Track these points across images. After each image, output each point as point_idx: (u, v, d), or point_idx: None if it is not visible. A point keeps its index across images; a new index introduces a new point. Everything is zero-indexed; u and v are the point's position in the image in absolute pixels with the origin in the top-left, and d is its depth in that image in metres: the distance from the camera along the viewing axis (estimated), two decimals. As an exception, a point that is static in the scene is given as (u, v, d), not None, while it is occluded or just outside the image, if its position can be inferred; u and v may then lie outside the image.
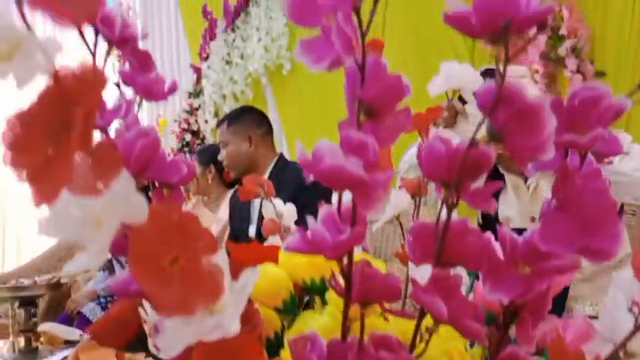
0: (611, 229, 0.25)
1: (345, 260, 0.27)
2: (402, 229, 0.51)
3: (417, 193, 0.51)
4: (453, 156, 0.26)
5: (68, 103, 0.19)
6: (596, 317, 1.16)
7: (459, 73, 0.53)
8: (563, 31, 2.10)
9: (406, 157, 1.57)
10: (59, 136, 0.20)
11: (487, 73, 1.36)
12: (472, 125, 1.41)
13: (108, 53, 0.29)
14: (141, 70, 0.31)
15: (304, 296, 0.39)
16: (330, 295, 0.36)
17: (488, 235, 0.29)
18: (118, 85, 0.42)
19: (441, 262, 0.28)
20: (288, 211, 0.70)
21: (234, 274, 0.27)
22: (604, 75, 2.12)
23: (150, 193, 0.41)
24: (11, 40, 0.18)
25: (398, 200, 0.51)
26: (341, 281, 0.28)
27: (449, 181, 0.27)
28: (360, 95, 0.25)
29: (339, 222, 0.27)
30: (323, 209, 0.28)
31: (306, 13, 0.25)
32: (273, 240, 0.64)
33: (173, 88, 0.42)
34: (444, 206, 0.28)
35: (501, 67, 0.24)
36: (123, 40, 0.30)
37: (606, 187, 0.26)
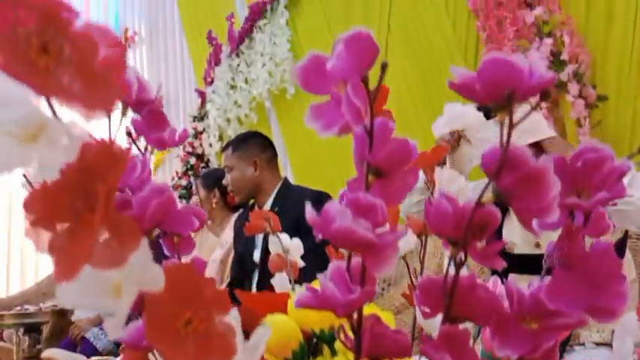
0: (616, 289, 0.26)
1: (355, 316, 0.28)
2: (408, 268, 0.52)
3: (422, 232, 0.52)
4: (460, 215, 0.27)
5: (90, 180, 0.20)
6: (603, 344, 1.15)
7: (461, 115, 0.54)
8: (564, 57, 2.12)
9: (406, 201, 1.58)
10: (81, 212, 0.20)
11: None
12: (475, 148, 1.41)
13: (123, 114, 0.30)
14: (155, 127, 0.31)
15: (313, 344, 0.39)
16: (339, 345, 0.37)
17: (497, 289, 0.29)
18: (129, 134, 0.44)
19: (449, 317, 0.29)
20: (294, 246, 0.71)
21: (245, 325, 0.28)
22: (606, 99, 2.13)
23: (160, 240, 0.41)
24: (37, 124, 0.19)
25: (404, 241, 0.52)
26: (350, 335, 0.29)
27: (456, 239, 0.27)
28: (369, 159, 0.26)
29: (348, 280, 0.27)
30: (333, 265, 0.28)
31: (316, 81, 0.26)
32: (279, 277, 0.65)
33: (184, 137, 0.43)
34: (452, 262, 0.28)
35: (505, 133, 0.25)
36: (139, 103, 0.31)
37: (611, 247, 0.26)
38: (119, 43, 0.18)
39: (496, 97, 0.25)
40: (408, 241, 0.51)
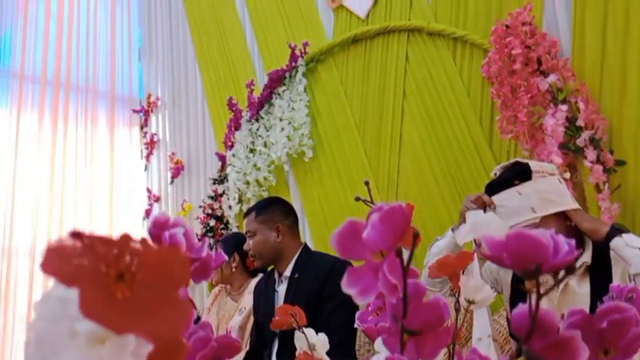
0: None
1: None
2: None
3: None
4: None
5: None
6: None
7: (485, 223, 0.55)
8: (580, 123, 2.15)
9: (434, 249, 1.57)
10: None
11: (505, 183, 1.37)
12: (501, 217, 1.41)
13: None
14: (202, 274, 0.34)
15: None
16: None
17: None
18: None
19: None
20: (321, 341, 0.71)
21: None
22: (624, 164, 2.14)
23: None
24: (104, 335, 0.20)
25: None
26: None
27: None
28: (404, 324, 0.27)
29: None
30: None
31: (352, 247, 0.28)
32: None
33: (219, 261, 0.45)
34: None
35: (534, 299, 0.27)
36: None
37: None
38: (186, 260, 0.20)
39: (522, 267, 0.26)
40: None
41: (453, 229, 1.54)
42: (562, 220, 1.38)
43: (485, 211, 1.43)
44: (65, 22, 4.76)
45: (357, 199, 0.53)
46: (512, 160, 1.48)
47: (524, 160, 1.42)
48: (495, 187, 1.42)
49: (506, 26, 2.37)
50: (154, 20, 5.06)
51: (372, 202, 0.48)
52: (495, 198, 1.41)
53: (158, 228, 0.32)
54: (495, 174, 1.50)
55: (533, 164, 1.39)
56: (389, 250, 0.26)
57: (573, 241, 0.27)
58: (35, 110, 4.62)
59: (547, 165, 1.43)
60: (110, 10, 5.07)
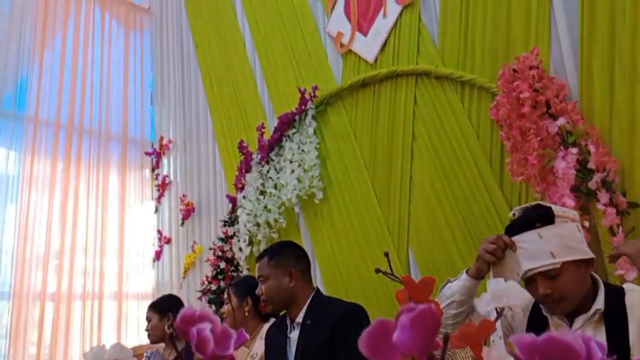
0: None
1: None
2: None
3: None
4: None
5: None
6: None
7: (506, 291, 0.55)
8: (591, 165, 2.14)
9: (447, 292, 1.55)
10: None
11: (527, 224, 1.37)
12: (520, 259, 1.39)
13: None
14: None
15: None
16: None
17: None
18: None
19: None
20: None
21: None
22: (637, 206, 2.12)
23: None
24: None
25: None
26: None
27: None
28: None
29: None
30: None
31: (383, 351, 0.28)
32: None
33: (242, 339, 0.45)
34: None
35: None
36: (215, 357, 0.33)
37: None
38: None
39: (555, 373, 0.26)
40: None
41: (467, 271, 1.53)
42: (579, 266, 1.36)
43: (504, 254, 1.40)
44: (79, 67, 4.89)
45: (377, 271, 0.53)
46: (533, 203, 1.47)
47: (547, 204, 1.42)
48: (516, 228, 1.41)
49: (514, 70, 2.40)
50: (166, 65, 5.18)
51: (392, 275, 0.48)
52: (515, 239, 1.40)
53: (185, 322, 0.32)
54: (514, 214, 1.49)
55: (556, 209, 1.38)
56: (420, 354, 0.27)
57: (605, 344, 0.27)
58: (49, 154, 4.70)
59: (569, 211, 1.42)
60: (123, 56, 5.20)
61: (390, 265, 0.52)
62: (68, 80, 4.81)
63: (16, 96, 4.61)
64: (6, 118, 4.49)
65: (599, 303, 1.35)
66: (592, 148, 2.14)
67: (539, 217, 1.37)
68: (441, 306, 1.56)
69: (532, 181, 2.36)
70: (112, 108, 5.05)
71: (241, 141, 3.93)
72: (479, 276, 1.50)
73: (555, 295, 1.35)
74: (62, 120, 4.78)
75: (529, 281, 1.38)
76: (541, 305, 1.43)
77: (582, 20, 2.33)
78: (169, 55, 5.16)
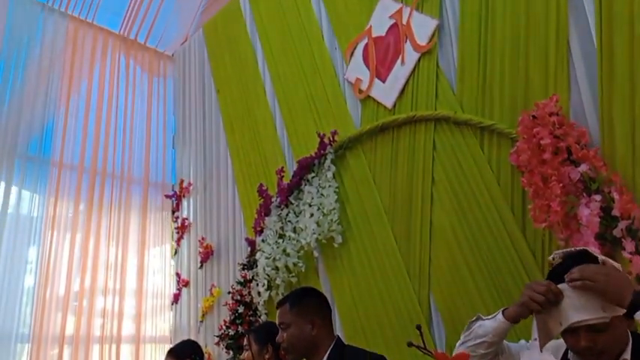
0: None
1: None
2: None
3: None
4: None
5: None
6: None
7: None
8: (615, 212, 2.12)
9: (480, 330, 1.52)
10: None
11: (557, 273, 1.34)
12: (566, 309, 1.34)
13: None
14: None
15: None
16: None
17: None
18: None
19: None
20: None
21: None
22: (665, 254, 2.08)
23: None
24: None
25: None
26: None
27: None
28: None
29: None
30: None
31: None
32: None
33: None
34: None
35: None
36: None
37: None
38: None
39: None
40: None
41: (503, 312, 1.49)
42: (622, 320, 1.33)
43: (556, 302, 1.35)
44: (104, 112, 5.02)
45: (410, 344, 0.53)
46: (578, 248, 1.44)
47: (594, 252, 1.39)
48: (561, 275, 1.37)
49: (534, 117, 2.41)
50: (188, 110, 5.30)
51: (425, 349, 0.48)
52: (561, 287, 1.36)
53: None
54: (554, 258, 1.46)
55: (602, 259, 1.35)
56: None
57: None
58: (72, 196, 4.77)
59: (613, 262, 1.39)
60: (147, 101, 5.33)
61: (422, 338, 0.53)
62: (92, 124, 4.93)
63: (41, 140, 4.73)
64: (32, 161, 4.60)
65: (627, 353, 1.32)
66: (616, 195, 2.12)
67: None
68: (470, 344, 1.53)
69: (555, 227, 2.33)
70: (134, 152, 5.15)
71: (261, 185, 3.97)
72: (516, 320, 1.47)
73: (597, 348, 1.31)
74: (86, 163, 4.88)
75: (570, 331, 1.34)
76: (573, 353, 1.39)
77: (601, 66, 2.34)
78: (191, 101, 5.28)
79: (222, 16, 5.06)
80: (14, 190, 4.39)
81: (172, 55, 5.75)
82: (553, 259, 1.45)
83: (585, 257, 1.37)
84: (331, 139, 3.60)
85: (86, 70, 5.00)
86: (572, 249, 1.45)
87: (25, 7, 4.71)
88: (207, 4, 5.31)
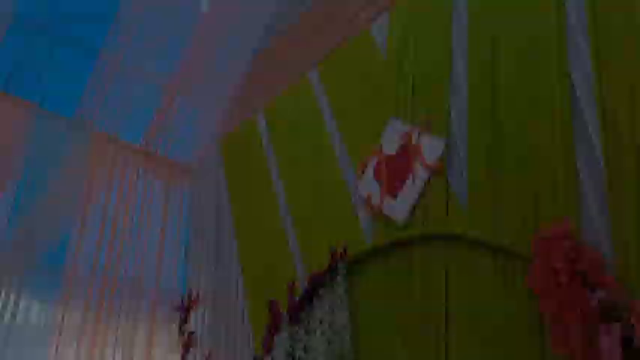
0: None
1: None
2: None
3: None
4: None
5: None
6: None
7: None
8: (638, 343, 2.03)
9: None
10: None
11: None
12: None
13: None
14: None
15: None
16: None
17: None
18: None
19: None
20: None
21: None
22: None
23: None
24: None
25: None
26: None
27: None
28: None
29: None
30: None
31: None
32: None
33: None
34: None
35: None
36: None
37: None
38: None
39: None
40: None
41: None
42: None
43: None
44: (120, 224, 5.09)
45: None
46: None
47: None
48: None
49: (545, 239, 2.40)
50: (201, 221, 5.36)
51: None
52: None
53: None
54: None
55: None
56: None
57: None
58: (80, 304, 4.74)
59: None
60: (162, 214, 5.42)
61: None
62: (107, 236, 4.99)
63: (55, 249, 4.78)
64: (44, 271, 4.62)
65: None
66: (636, 324, 2.05)
67: None
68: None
69: (576, 354, 2.24)
70: (147, 263, 5.15)
71: (272, 302, 3.90)
72: None
73: None
74: (97, 273, 4.88)
75: None
76: None
77: (610, 186, 2.37)
78: (205, 212, 5.36)
79: (239, 131, 5.26)
80: (23, 298, 4.39)
81: (189, 165, 5.90)
82: None
83: None
84: (342, 253, 3.59)
85: (105, 182, 5.15)
86: None
87: (49, 122, 4.94)
88: (226, 117, 5.53)
